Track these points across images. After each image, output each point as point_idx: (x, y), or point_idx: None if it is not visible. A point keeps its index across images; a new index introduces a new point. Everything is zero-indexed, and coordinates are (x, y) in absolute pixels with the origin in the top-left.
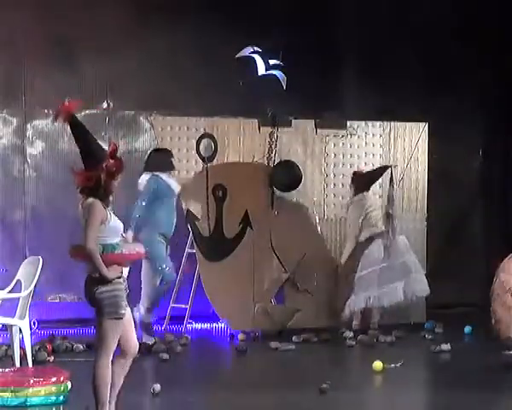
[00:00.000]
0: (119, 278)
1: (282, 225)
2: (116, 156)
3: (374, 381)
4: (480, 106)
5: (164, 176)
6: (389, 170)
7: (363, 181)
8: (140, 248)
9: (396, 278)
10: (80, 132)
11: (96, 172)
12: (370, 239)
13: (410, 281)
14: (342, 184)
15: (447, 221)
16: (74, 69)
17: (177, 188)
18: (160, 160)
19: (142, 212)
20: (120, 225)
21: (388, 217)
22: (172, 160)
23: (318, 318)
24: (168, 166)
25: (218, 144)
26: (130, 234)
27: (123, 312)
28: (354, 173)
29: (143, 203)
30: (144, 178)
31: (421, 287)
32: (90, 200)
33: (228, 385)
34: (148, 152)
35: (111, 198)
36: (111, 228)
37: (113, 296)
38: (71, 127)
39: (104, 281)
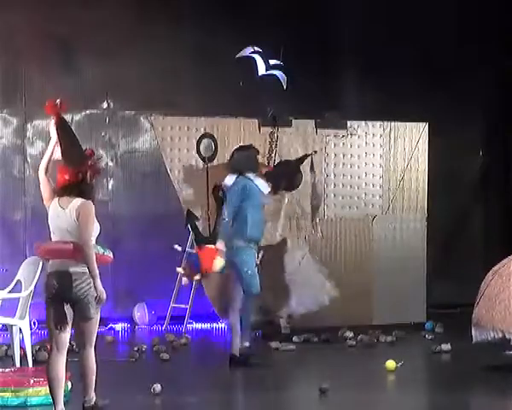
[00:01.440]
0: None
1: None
2: (93, 156)
3: (374, 381)
4: (480, 106)
5: (252, 176)
6: (308, 159)
7: (275, 178)
8: (110, 253)
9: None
10: (67, 132)
11: (83, 168)
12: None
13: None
14: (342, 184)
15: (447, 221)
16: (74, 69)
17: (266, 188)
18: (246, 159)
19: (231, 216)
20: (98, 228)
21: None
22: (258, 158)
23: (318, 318)
24: (255, 166)
25: (219, 144)
26: (220, 244)
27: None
28: (265, 173)
29: (234, 208)
30: (230, 179)
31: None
32: (83, 201)
33: (228, 385)
34: (232, 151)
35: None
36: (95, 229)
37: (93, 293)
38: (58, 127)
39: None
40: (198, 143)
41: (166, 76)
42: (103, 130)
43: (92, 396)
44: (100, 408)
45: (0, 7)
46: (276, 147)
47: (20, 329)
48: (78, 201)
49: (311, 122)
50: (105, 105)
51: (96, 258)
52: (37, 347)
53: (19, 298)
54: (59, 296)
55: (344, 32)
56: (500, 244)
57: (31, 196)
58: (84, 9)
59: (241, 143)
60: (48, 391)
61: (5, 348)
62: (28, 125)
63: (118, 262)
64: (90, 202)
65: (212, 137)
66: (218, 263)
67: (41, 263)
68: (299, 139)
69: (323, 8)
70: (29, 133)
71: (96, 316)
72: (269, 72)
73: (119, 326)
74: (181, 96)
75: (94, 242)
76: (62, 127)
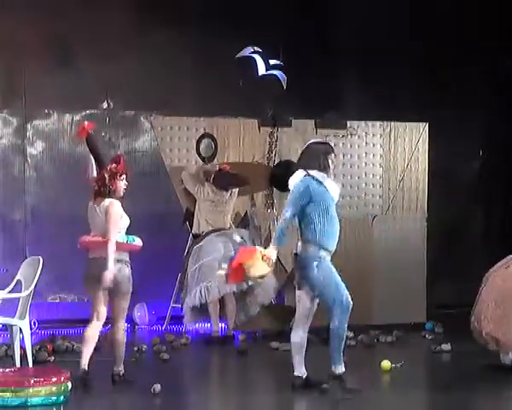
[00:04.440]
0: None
1: None
2: (119, 161)
3: (374, 381)
4: (480, 106)
5: (319, 176)
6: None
7: (224, 180)
8: (136, 241)
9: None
10: (94, 145)
11: (100, 175)
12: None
13: None
14: (342, 185)
15: (447, 221)
16: (74, 69)
17: (336, 191)
18: (316, 154)
19: (288, 224)
20: (127, 221)
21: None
22: (331, 156)
23: (318, 318)
24: (327, 165)
25: (218, 144)
26: (271, 250)
27: None
28: (219, 169)
29: (287, 214)
30: (297, 177)
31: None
32: (110, 200)
33: (228, 385)
34: (307, 143)
35: (119, 196)
36: (123, 221)
37: (127, 274)
38: (87, 143)
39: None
40: (198, 143)
41: (166, 76)
42: (103, 130)
43: (121, 368)
44: (128, 381)
45: (0, 7)
46: (275, 147)
47: (20, 329)
48: (106, 200)
49: (311, 122)
50: (105, 105)
51: (123, 247)
52: (38, 347)
53: (19, 298)
54: (98, 277)
55: (344, 32)
56: (500, 244)
57: (31, 195)
58: (84, 9)
59: (241, 143)
60: (47, 392)
61: (5, 348)
62: (28, 126)
63: None
64: (113, 200)
65: (211, 137)
66: (261, 268)
67: (41, 263)
68: (299, 139)
69: (323, 9)
70: (29, 133)
71: (128, 294)
72: (269, 72)
73: None
74: (181, 96)
75: (123, 233)
76: (90, 142)
